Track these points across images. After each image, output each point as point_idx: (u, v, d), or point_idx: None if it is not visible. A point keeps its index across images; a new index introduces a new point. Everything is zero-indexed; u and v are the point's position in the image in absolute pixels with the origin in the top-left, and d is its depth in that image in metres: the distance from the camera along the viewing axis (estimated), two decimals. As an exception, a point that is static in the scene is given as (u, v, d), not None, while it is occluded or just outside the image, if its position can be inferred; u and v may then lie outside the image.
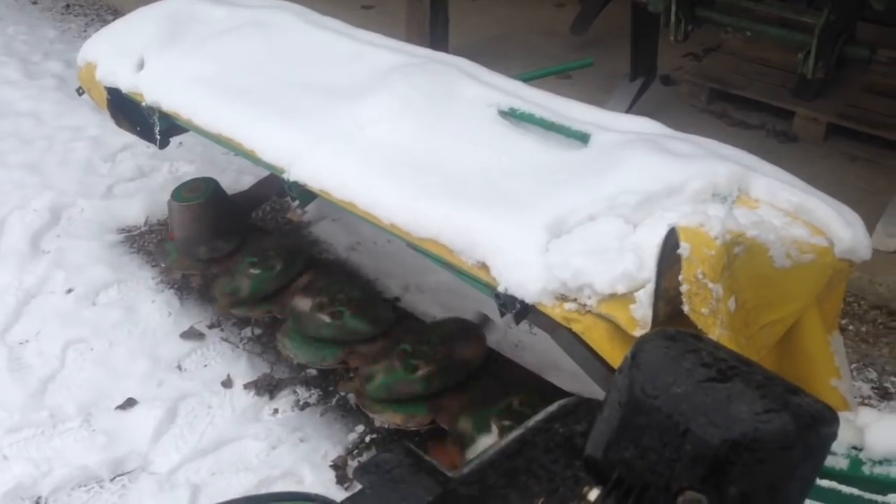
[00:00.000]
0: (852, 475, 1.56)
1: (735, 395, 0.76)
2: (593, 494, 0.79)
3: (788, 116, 4.17)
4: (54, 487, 2.52)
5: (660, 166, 1.84)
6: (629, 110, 4.11)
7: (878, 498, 1.54)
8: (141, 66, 2.76)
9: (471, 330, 2.76)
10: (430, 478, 0.88)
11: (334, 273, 3.24)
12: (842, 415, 1.67)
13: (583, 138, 2.11)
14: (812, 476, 0.80)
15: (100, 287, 3.30)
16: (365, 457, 2.63)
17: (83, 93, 3.11)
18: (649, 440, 0.77)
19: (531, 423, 0.94)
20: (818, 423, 0.78)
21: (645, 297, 1.56)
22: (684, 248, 1.52)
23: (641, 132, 2.10)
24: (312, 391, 2.85)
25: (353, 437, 2.68)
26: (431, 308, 3.13)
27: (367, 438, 2.67)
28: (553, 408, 0.96)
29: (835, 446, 1.61)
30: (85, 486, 2.54)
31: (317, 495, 0.87)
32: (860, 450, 1.61)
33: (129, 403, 2.77)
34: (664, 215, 1.72)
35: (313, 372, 2.89)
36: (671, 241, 1.55)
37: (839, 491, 1.56)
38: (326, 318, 2.79)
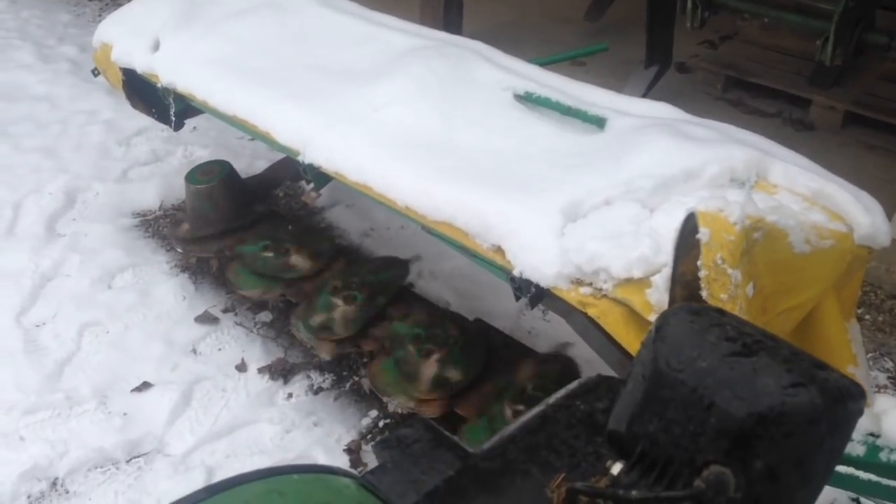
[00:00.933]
0: (870, 461, 1.56)
1: (761, 369, 0.75)
2: (616, 468, 0.79)
3: (805, 105, 4.14)
4: (70, 469, 2.54)
5: (677, 151, 1.82)
6: (644, 97, 4.09)
7: (895, 484, 1.53)
8: (156, 46, 2.76)
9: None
10: (450, 453, 0.88)
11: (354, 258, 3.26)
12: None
13: (599, 123, 2.10)
14: (839, 451, 0.80)
15: (115, 271, 3.31)
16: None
17: (98, 74, 3.12)
18: (673, 414, 0.77)
19: (552, 399, 0.93)
20: (845, 397, 0.77)
21: (661, 282, 1.55)
22: (703, 233, 1.51)
23: (658, 117, 2.09)
24: (326, 376, 2.85)
25: (366, 421, 2.68)
26: (445, 293, 3.13)
27: (381, 423, 2.68)
28: (574, 385, 0.96)
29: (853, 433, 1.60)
30: (101, 467, 2.56)
31: (338, 468, 0.87)
32: (878, 437, 1.60)
33: (145, 386, 2.78)
34: (681, 200, 1.71)
35: (327, 357, 2.90)
36: (690, 226, 1.53)
37: (857, 477, 1.55)
38: (339, 303, 2.81)
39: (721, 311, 0.81)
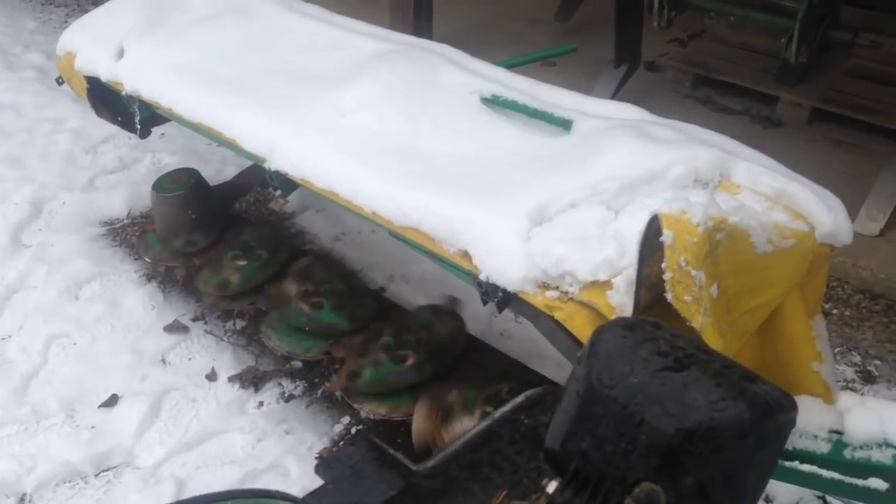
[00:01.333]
0: (833, 459, 1.57)
1: (691, 384, 0.75)
2: (551, 486, 0.78)
3: (772, 101, 4.18)
4: (38, 484, 2.50)
5: (641, 152, 1.83)
6: (614, 97, 4.11)
7: (859, 482, 1.54)
8: (120, 54, 2.73)
9: (446, 313, 2.76)
10: (393, 471, 0.87)
11: (324, 263, 3.23)
12: (822, 400, 1.67)
13: (565, 125, 2.10)
14: (770, 464, 0.79)
15: (82, 281, 3.27)
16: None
17: (63, 82, 3.08)
18: (606, 431, 0.76)
19: (498, 414, 0.93)
20: (774, 410, 0.77)
21: (622, 284, 1.55)
22: (667, 236, 1.51)
23: (624, 118, 2.09)
24: (297, 383, 2.83)
25: (338, 428, 2.67)
26: (417, 298, 3.12)
27: (353, 430, 2.66)
28: (520, 398, 0.96)
29: (816, 431, 1.61)
30: (69, 481, 2.53)
31: (277, 491, 0.86)
32: (841, 434, 1.61)
33: (112, 400, 2.74)
34: (646, 202, 1.72)
35: (298, 364, 2.88)
36: (654, 229, 1.53)
37: (820, 475, 1.56)
38: (306, 309, 2.79)
39: (656, 325, 0.81)
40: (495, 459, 0.85)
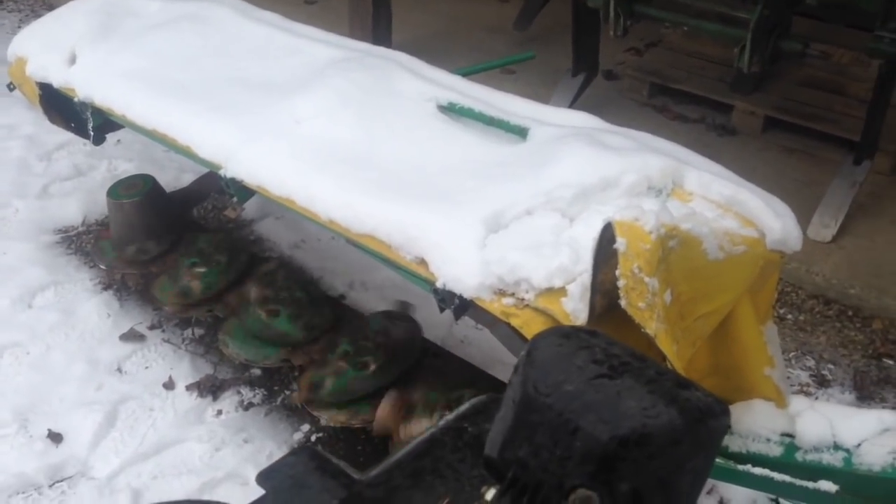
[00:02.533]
0: (785, 462, 1.60)
1: (624, 392, 0.76)
2: (490, 494, 0.79)
3: (727, 110, 4.24)
4: (-10, 496, 2.46)
5: (595, 160, 1.85)
6: (572, 105, 4.14)
7: (810, 484, 1.57)
8: (73, 60, 2.70)
9: (400, 317, 2.76)
10: (335, 481, 0.87)
11: (288, 269, 3.21)
12: (774, 404, 1.70)
13: (521, 133, 2.12)
14: (705, 469, 0.81)
15: (36, 289, 3.22)
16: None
17: (14, 88, 3.03)
18: (542, 438, 0.77)
19: (442, 422, 0.93)
20: (707, 416, 0.78)
21: (577, 291, 1.57)
22: (620, 243, 1.53)
23: (578, 126, 2.11)
24: (257, 391, 2.82)
25: (298, 436, 2.65)
26: (377, 305, 3.12)
27: (313, 437, 2.65)
28: (464, 407, 0.96)
29: (768, 434, 1.64)
30: (23, 493, 2.48)
31: (215, 502, 0.86)
32: (793, 437, 1.64)
33: (56, 438, 2.65)
34: (600, 209, 1.74)
35: (257, 371, 2.86)
36: (607, 236, 1.55)
37: (772, 478, 1.58)
38: (263, 316, 2.78)
39: (592, 333, 0.82)
40: (438, 467, 0.85)
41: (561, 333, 0.82)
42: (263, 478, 0.91)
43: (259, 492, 0.92)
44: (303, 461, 0.91)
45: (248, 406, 2.76)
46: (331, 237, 3.47)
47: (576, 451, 0.74)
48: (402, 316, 2.80)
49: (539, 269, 1.64)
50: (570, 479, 0.75)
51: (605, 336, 0.82)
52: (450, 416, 0.93)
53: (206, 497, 2.42)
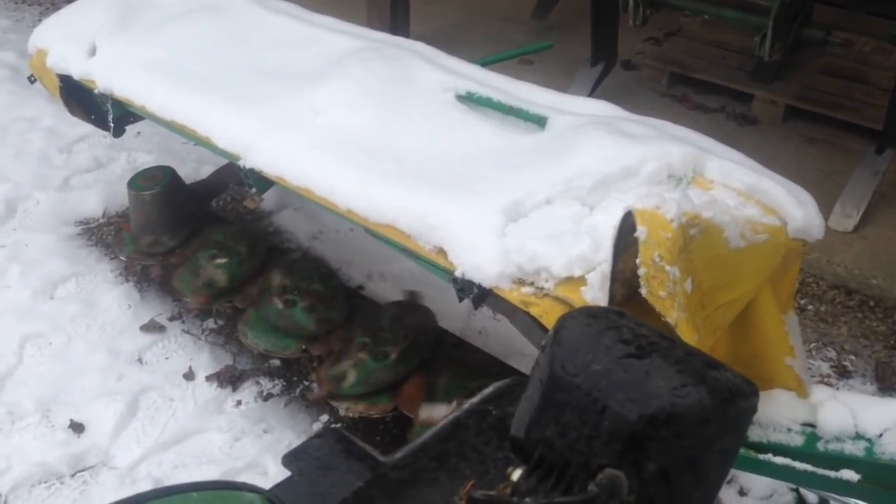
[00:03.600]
0: (806, 452, 1.58)
1: (653, 371, 0.75)
2: (516, 474, 0.78)
3: (747, 99, 4.20)
4: (14, 485, 2.48)
5: (615, 149, 1.84)
6: (590, 95, 4.12)
7: (831, 473, 1.56)
8: (93, 52, 2.71)
9: (414, 305, 2.78)
10: (360, 463, 0.87)
11: (309, 260, 3.22)
12: (795, 394, 1.69)
13: (540, 122, 2.11)
14: (733, 450, 0.80)
15: (57, 280, 3.24)
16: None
17: (35, 80, 3.05)
18: (569, 418, 0.77)
19: (466, 405, 0.93)
20: (736, 396, 0.77)
21: (597, 279, 1.56)
22: (641, 232, 1.52)
23: (598, 115, 2.10)
24: (276, 382, 2.83)
25: (317, 426, 2.66)
26: (395, 295, 3.12)
27: (332, 428, 2.66)
28: (488, 390, 0.96)
29: (789, 423, 1.63)
30: (45, 482, 2.51)
31: (243, 483, 0.86)
32: (814, 427, 1.63)
33: (77, 428, 2.68)
34: (620, 198, 1.73)
35: (276, 362, 2.87)
36: (628, 224, 1.54)
37: (794, 467, 1.57)
38: (280, 305, 2.79)
39: (620, 314, 0.82)
40: (463, 450, 0.85)
41: (588, 313, 0.81)
42: (289, 459, 0.91)
43: (285, 473, 0.92)
44: (328, 443, 0.91)
45: (267, 396, 2.77)
46: (349, 228, 3.48)
47: (603, 431, 0.74)
48: (415, 305, 2.80)
49: (559, 257, 1.64)
50: (597, 458, 0.74)
51: (633, 317, 0.81)
52: (474, 400, 0.93)
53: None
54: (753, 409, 0.79)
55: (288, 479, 0.88)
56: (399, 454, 0.88)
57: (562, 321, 0.82)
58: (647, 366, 0.75)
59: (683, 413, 0.73)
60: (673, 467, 0.74)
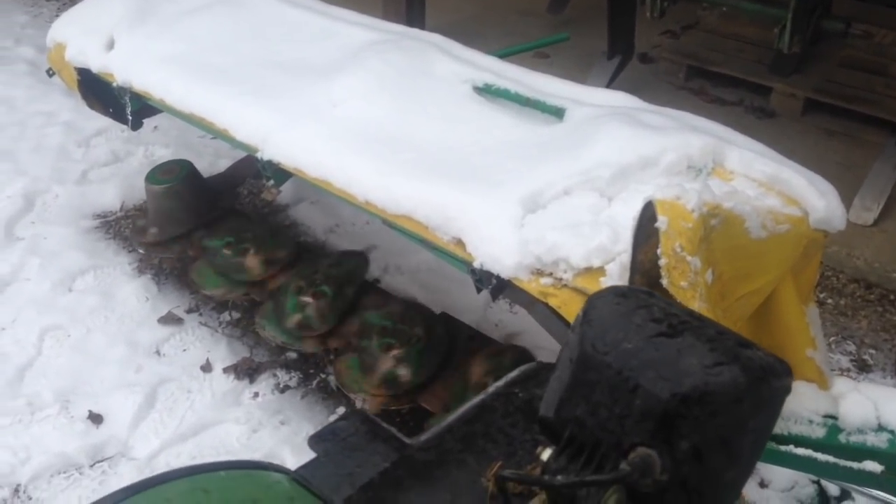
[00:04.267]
0: (828, 444, 1.57)
1: (685, 350, 0.74)
2: (546, 454, 0.78)
3: (766, 92, 4.17)
4: (33, 475, 2.50)
5: (634, 139, 1.83)
6: (607, 88, 4.10)
7: (854, 465, 1.54)
8: (111, 45, 2.72)
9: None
10: (386, 444, 0.87)
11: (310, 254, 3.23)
12: (816, 386, 1.68)
13: (558, 113, 2.10)
14: (766, 430, 0.79)
15: (76, 273, 3.27)
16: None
17: (53, 74, 3.06)
18: (600, 397, 0.76)
19: (492, 388, 0.93)
20: (769, 375, 0.76)
21: (616, 270, 1.55)
22: (662, 222, 1.51)
23: (616, 106, 2.09)
24: (293, 374, 2.84)
25: (333, 418, 2.66)
26: (411, 288, 3.13)
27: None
28: (514, 373, 0.95)
29: (810, 415, 1.61)
30: (64, 472, 2.53)
31: (269, 463, 0.86)
32: (836, 419, 1.61)
33: (96, 419, 2.70)
34: (639, 188, 1.72)
35: (293, 355, 2.88)
36: (648, 215, 1.53)
37: (815, 458, 1.56)
38: (308, 300, 2.80)
39: (649, 293, 0.81)
40: (490, 432, 0.85)
41: (618, 293, 0.80)
42: (315, 440, 0.91)
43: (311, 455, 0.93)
44: (354, 425, 0.91)
45: (284, 388, 2.78)
46: (365, 221, 3.48)
47: (635, 410, 0.73)
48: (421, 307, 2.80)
49: (577, 248, 1.63)
50: (629, 437, 0.74)
51: (662, 297, 0.81)
52: (499, 383, 0.92)
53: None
54: (787, 389, 0.78)
55: (314, 460, 0.88)
56: (424, 436, 0.88)
57: (591, 301, 0.81)
58: (678, 344, 0.75)
59: (717, 391, 0.72)
60: (706, 446, 0.73)
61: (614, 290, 0.82)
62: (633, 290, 0.81)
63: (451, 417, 0.90)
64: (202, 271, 3.10)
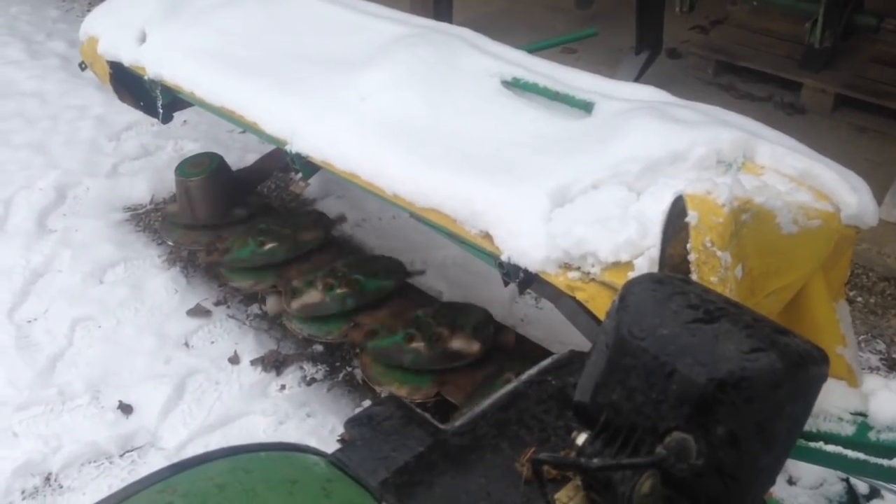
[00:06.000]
0: (857, 441, 1.56)
1: (722, 335, 0.74)
2: (581, 439, 0.78)
3: (796, 88, 4.14)
4: (64, 464, 2.54)
5: (663, 133, 1.81)
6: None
7: (885, 462, 1.53)
8: (143, 39, 2.75)
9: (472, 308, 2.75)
10: (420, 429, 0.88)
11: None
12: (846, 383, 1.66)
13: (586, 107, 2.09)
14: (802, 416, 0.79)
15: (106, 265, 3.31)
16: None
17: (86, 67, 3.10)
18: (636, 381, 0.76)
19: (524, 376, 0.93)
20: (806, 361, 0.76)
21: (644, 265, 1.54)
22: (692, 216, 1.50)
23: (645, 100, 2.08)
24: (319, 367, 2.85)
25: (359, 411, 2.67)
26: (437, 283, 3.13)
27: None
28: (547, 362, 0.96)
29: (840, 413, 1.60)
30: (94, 461, 2.56)
31: (307, 445, 0.87)
32: (865, 416, 1.60)
33: (126, 410, 2.73)
34: (668, 183, 1.71)
35: (319, 347, 2.90)
36: (678, 209, 1.53)
37: (846, 456, 1.55)
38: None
39: (685, 280, 0.81)
40: (523, 418, 0.85)
41: (654, 279, 0.80)
42: (351, 425, 0.93)
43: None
44: (389, 410, 0.92)
45: (310, 381, 2.80)
46: (392, 216, 3.50)
47: (671, 394, 0.73)
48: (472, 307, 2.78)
49: (605, 242, 1.62)
50: (664, 421, 0.74)
51: (698, 284, 0.81)
52: (532, 371, 0.93)
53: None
54: (824, 376, 0.78)
55: (350, 444, 0.89)
56: (458, 422, 0.88)
57: (627, 287, 0.81)
58: (715, 330, 0.75)
59: (754, 377, 0.72)
60: (742, 432, 0.73)
61: (651, 277, 0.82)
62: (669, 276, 0.81)
63: (485, 404, 0.90)
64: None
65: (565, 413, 0.87)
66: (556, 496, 0.77)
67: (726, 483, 0.74)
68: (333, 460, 0.86)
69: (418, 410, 0.93)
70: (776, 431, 0.76)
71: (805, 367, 0.76)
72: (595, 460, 0.74)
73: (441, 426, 0.89)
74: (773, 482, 0.81)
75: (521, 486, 0.78)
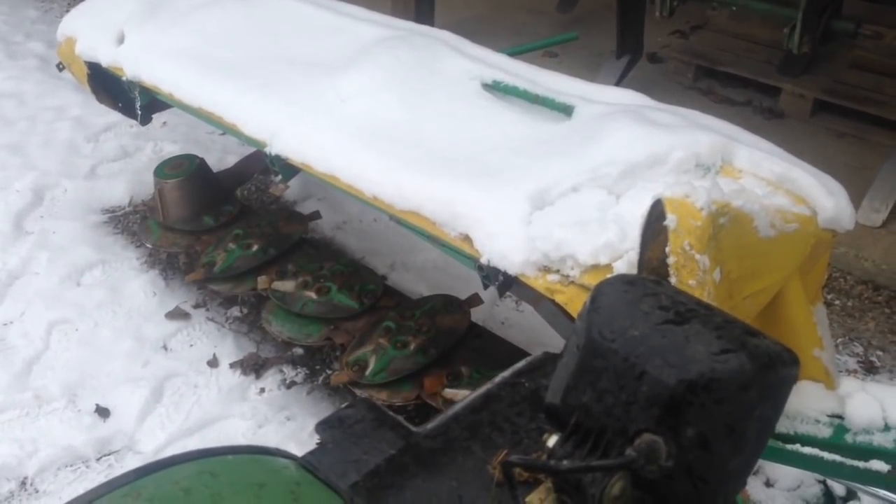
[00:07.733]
0: (834, 443, 1.57)
1: (692, 337, 0.75)
2: (552, 441, 0.78)
3: (775, 93, 4.17)
4: (40, 467, 2.52)
5: (642, 137, 1.82)
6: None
7: (861, 464, 1.54)
8: (121, 39, 2.72)
9: (456, 303, 2.76)
10: (392, 432, 0.88)
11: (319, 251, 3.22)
12: (823, 385, 1.67)
13: (566, 110, 2.09)
14: (772, 418, 0.80)
15: (84, 268, 3.28)
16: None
17: (63, 68, 3.07)
18: (606, 383, 0.76)
19: (498, 378, 0.93)
20: (776, 363, 0.77)
21: (623, 268, 1.55)
22: (671, 220, 1.50)
23: (625, 104, 2.09)
24: (299, 370, 2.84)
25: (330, 413, 2.66)
26: (418, 286, 3.13)
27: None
28: (520, 364, 0.96)
29: (817, 415, 1.61)
30: (71, 465, 2.54)
31: (276, 448, 0.87)
32: (842, 418, 1.61)
33: (103, 413, 2.71)
34: (647, 186, 1.71)
35: (300, 350, 2.89)
36: (656, 212, 1.53)
37: (822, 458, 1.56)
38: (313, 296, 2.79)
39: (657, 281, 0.81)
40: (496, 421, 0.85)
41: (625, 280, 0.81)
42: (322, 427, 0.92)
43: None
44: (360, 412, 0.92)
45: (290, 384, 2.79)
46: (373, 219, 3.49)
47: (641, 396, 0.74)
48: (455, 304, 2.77)
49: (585, 245, 1.62)
50: (635, 423, 0.74)
51: (670, 285, 0.81)
52: (506, 373, 0.92)
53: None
54: (794, 378, 0.78)
55: (320, 447, 0.89)
56: (430, 424, 0.88)
57: (598, 288, 0.81)
58: (685, 331, 0.75)
59: (723, 378, 0.73)
60: (712, 433, 0.74)
61: (622, 278, 0.82)
62: (640, 278, 0.81)
63: (457, 406, 0.90)
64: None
65: (538, 416, 0.87)
66: (528, 499, 0.77)
67: (696, 485, 0.75)
68: (303, 463, 0.86)
69: (390, 413, 0.93)
70: (746, 433, 0.76)
71: (775, 369, 0.76)
72: (565, 462, 0.74)
73: (413, 429, 0.89)
74: (743, 484, 0.81)
75: (492, 488, 0.78)
